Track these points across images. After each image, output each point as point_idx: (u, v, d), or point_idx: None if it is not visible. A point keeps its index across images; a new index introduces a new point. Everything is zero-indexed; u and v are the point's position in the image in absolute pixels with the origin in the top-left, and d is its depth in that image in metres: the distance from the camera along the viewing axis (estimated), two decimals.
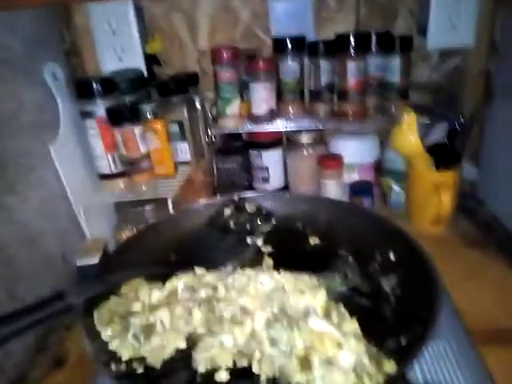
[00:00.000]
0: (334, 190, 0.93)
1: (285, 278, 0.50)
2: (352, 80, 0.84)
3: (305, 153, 0.97)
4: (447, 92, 0.89)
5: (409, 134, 0.79)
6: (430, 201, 0.80)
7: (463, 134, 0.86)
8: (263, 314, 0.45)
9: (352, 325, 0.44)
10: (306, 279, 0.50)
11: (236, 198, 0.65)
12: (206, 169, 0.96)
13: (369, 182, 0.94)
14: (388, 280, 0.52)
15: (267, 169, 0.98)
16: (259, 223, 0.62)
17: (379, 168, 0.97)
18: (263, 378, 0.41)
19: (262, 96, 0.87)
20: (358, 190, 0.92)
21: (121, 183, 0.81)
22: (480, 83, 0.87)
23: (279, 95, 0.90)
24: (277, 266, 0.57)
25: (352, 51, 0.82)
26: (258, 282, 0.49)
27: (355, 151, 0.95)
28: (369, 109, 0.89)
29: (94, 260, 0.72)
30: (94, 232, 0.81)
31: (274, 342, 0.42)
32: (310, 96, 0.90)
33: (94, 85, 0.77)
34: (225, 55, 0.84)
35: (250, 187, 1.01)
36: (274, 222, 0.63)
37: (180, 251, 0.60)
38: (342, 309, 0.47)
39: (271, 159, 0.98)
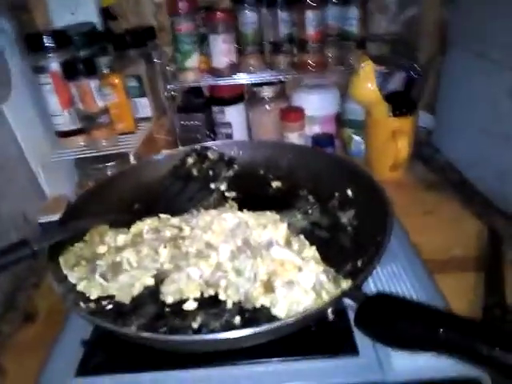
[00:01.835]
0: (295, 141, 0.95)
1: (248, 215, 0.52)
2: (311, 31, 0.84)
3: (267, 107, 0.97)
4: (404, 42, 0.91)
5: (367, 83, 0.81)
6: (388, 147, 0.83)
7: (419, 83, 0.88)
8: (227, 246, 0.46)
9: (311, 251, 0.46)
10: (268, 215, 0.52)
11: (198, 147, 0.65)
12: (168, 126, 0.95)
13: (330, 134, 0.96)
14: (346, 214, 0.54)
15: (230, 124, 0.98)
16: (222, 170, 0.62)
17: (340, 119, 0.98)
18: (229, 304, 0.43)
19: (221, 49, 0.86)
20: (320, 141, 0.94)
21: (80, 140, 0.80)
22: (436, 32, 0.89)
23: (239, 48, 0.89)
24: (241, 210, 0.58)
25: (310, 1, 0.82)
26: (221, 219, 0.50)
27: (316, 104, 0.96)
28: (328, 60, 0.90)
29: (56, 217, 0.71)
30: (56, 191, 0.80)
31: (238, 271, 0.44)
32: (270, 48, 0.89)
33: (46, 38, 0.74)
34: (182, 6, 0.82)
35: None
36: (236, 168, 0.64)
37: (143, 200, 0.61)
38: (303, 239, 0.49)
39: (234, 115, 0.98)
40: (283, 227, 0.49)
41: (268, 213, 0.52)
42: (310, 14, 0.83)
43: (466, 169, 0.86)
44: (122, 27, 0.91)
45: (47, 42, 0.74)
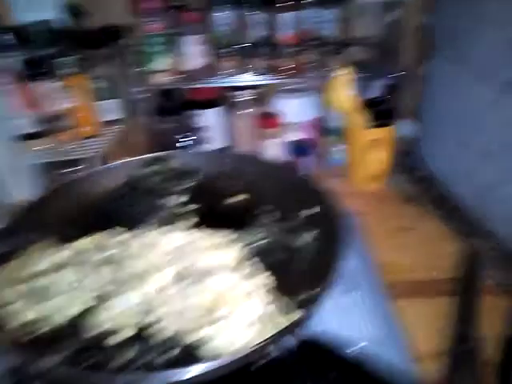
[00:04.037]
0: (274, 149, 0.91)
1: (200, 234, 0.48)
2: (286, 33, 0.80)
3: (246, 111, 0.93)
4: (386, 46, 0.87)
5: (344, 91, 0.77)
6: (367, 157, 0.79)
7: (401, 90, 0.84)
8: (171, 269, 0.42)
9: (264, 277, 0.42)
10: (223, 234, 0.48)
11: (158, 156, 0.61)
12: (142, 129, 0.91)
13: (309, 141, 0.92)
14: (308, 234, 0.50)
15: (207, 129, 0.94)
16: (182, 181, 0.58)
17: (320, 126, 0.94)
18: (167, 335, 0.39)
19: (193, 50, 0.82)
20: (299, 148, 0.91)
21: (42, 143, 0.76)
22: (418, 37, 0.85)
23: (213, 50, 0.85)
24: (200, 224, 0.54)
25: (285, 2, 0.78)
26: (169, 238, 0.46)
27: (296, 109, 0.92)
28: (306, 64, 0.86)
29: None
30: (24, 196, 0.76)
31: (180, 298, 0.40)
32: (245, 51, 0.85)
33: (5, 36, 0.70)
34: (149, 5, 0.78)
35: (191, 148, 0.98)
36: (198, 179, 0.60)
37: (98, 211, 0.57)
38: (257, 262, 0.45)
39: (211, 119, 0.94)
40: (236, 249, 0.45)
41: (223, 232, 0.48)
42: (285, 16, 0.79)
43: (449, 182, 0.82)
44: (91, 25, 0.86)
45: (6, 39, 0.70)
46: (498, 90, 0.65)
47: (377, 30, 0.88)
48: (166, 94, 0.92)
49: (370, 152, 0.78)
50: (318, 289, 0.41)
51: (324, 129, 0.93)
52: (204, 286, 0.40)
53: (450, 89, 0.80)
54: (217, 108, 0.93)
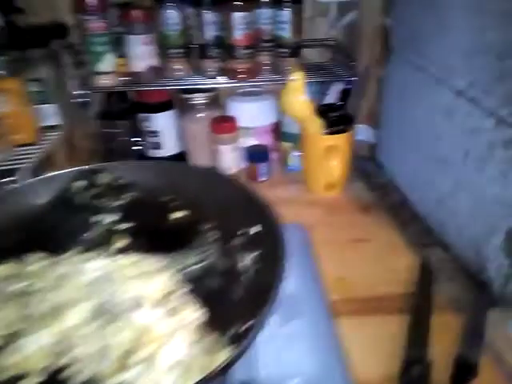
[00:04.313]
0: (229, 155, 0.87)
1: (126, 261, 0.43)
2: (239, 34, 0.76)
3: (199, 115, 0.89)
4: (343, 49, 0.84)
5: (297, 95, 0.73)
6: (322, 165, 0.76)
7: (359, 94, 0.82)
8: (83, 306, 0.38)
9: (192, 311, 0.38)
10: (154, 260, 0.43)
11: (90, 168, 0.56)
12: (87, 135, 0.85)
13: (266, 147, 0.88)
14: (248, 257, 0.46)
15: (159, 133, 0.89)
16: (113, 197, 0.53)
17: (278, 131, 0.91)
18: (81, 379, 0.35)
19: (139, 51, 0.77)
20: (255, 154, 0.87)
21: None
22: (376, 39, 0.82)
23: (162, 50, 0.80)
24: (132, 245, 0.50)
25: (238, 1, 0.73)
26: (91, 266, 0.42)
27: (251, 114, 0.89)
28: (262, 66, 0.82)
29: None
30: None
31: (92, 340, 0.36)
32: (197, 52, 0.81)
33: None
34: (91, 2, 0.72)
35: (143, 154, 0.93)
36: (132, 195, 0.55)
37: (19, 232, 0.51)
38: (186, 293, 0.41)
39: (162, 123, 0.89)
40: (164, 278, 0.40)
41: (151, 259, 0.44)
42: (237, 16, 0.74)
43: (407, 190, 0.80)
44: (28, 23, 0.80)
45: None
46: (453, 97, 0.63)
47: (333, 31, 0.84)
48: (113, 96, 0.87)
49: (326, 159, 0.75)
50: (253, 320, 0.37)
51: (281, 134, 0.90)
52: (125, 324, 0.35)
53: (408, 93, 0.77)
54: (168, 112, 0.88)
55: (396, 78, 0.81)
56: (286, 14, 0.76)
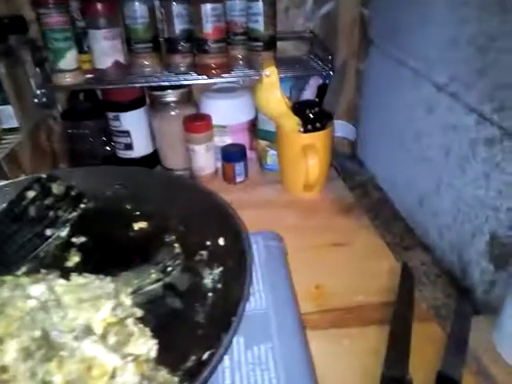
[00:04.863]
0: (203, 155, 0.83)
1: (73, 284, 0.39)
2: (209, 27, 0.71)
3: (172, 113, 0.84)
4: (321, 42, 0.80)
5: (272, 91, 0.69)
6: (300, 164, 0.72)
7: (336, 89, 0.78)
8: (18, 341, 0.33)
9: (140, 344, 0.34)
10: (104, 283, 0.39)
11: (44, 176, 0.51)
12: (54, 136, 0.81)
13: (242, 145, 0.84)
14: (212, 273, 0.42)
15: (129, 133, 0.85)
16: (67, 208, 0.49)
17: (254, 129, 0.87)
18: None
19: (103, 46, 0.72)
20: (231, 154, 0.83)
21: None
22: (354, 31, 0.79)
23: (128, 45, 0.75)
24: (85, 263, 0.45)
25: None
26: (31, 292, 0.37)
27: (226, 111, 0.84)
28: (235, 61, 0.78)
29: None
30: None
31: (27, 379, 0.32)
32: (166, 46, 0.76)
33: None
34: None
35: (113, 155, 0.88)
36: (88, 205, 0.51)
37: None
38: (140, 319, 0.37)
39: (132, 122, 0.84)
40: (113, 304, 0.36)
41: (97, 281, 0.40)
42: (207, 8, 0.70)
43: (389, 188, 0.77)
44: None
45: None
46: (434, 92, 0.59)
47: (310, 23, 0.80)
48: (79, 95, 0.82)
49: (304, 159, 0.71)
50: (211, 350, 0.34)
51: (258, 132, 0.86)
52: (58, 364, 0.31)
53: (388, 88, 0.74)
54: (138, 110, 0.84)
55: (375, 71, 0.78)
56: (259, 5, 0.72)
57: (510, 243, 0.48)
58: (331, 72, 0.75)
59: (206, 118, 0.82)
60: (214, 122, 0.82)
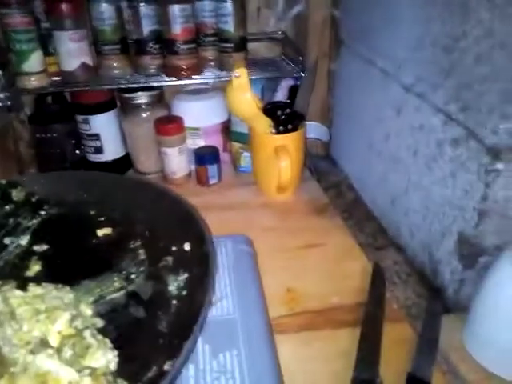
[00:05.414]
0: (176, 158, 0.81)
1: (31, 294, 0.37)
2: (177, 28, 0.70)
3: (143, 116, 0.83)
4: (292, 43, 0.79)
5: (242, 93, 0.69)
6: (272, 166, 0.71)
7: (307, 90, 0.78)
8: None
9: (99, 356, 0.33)
10: (63, 292, 0.38)
11: (3, 182, 0.49)
12: (21, 139, 0.78)
13: (215, 148, 0.83)
14: (176, 280, 0.41)
15: (98, 136, 0.83)
16: (27, 215, 0.48)
17: (228, 130, 0.86)
18: None
19: (69, 48, 0.70)
20: (204, 156, 0.82)
21: None
22: (325, 33, 0.79)
23: (96, 47, 0.74)
24: (46, 272, 0.44)
25: None
26: None
27: (198, 112, 0.83)
28: (205, 62, 0.77)
29: None
30: None
31: None
32: (134, 48, 0.75)
33: None
34: None
35: (83, 160, 0.86)
36: (51, 211, 0.49)
37: None
38: (100, 331, 0.36)
39: (102, 125, 0.83)
40: (71, 316, 0.35)
41: (54, 291, 0.38)
42: (175, 9, 0.69)
43: (362, 189, 0.77)
44: None
45: None
46: (402, 93, 0.60)
47: (281, 24, 0.80)
48: (47, 98, 0.80)
49: (276, 160, 0.71)
50: (173, 360, 0.33)
51: (231, 134, 0.85)
52: (9, 381, 0.30)
53: (359, 88, 0.74)
54: (108, 113, 0.82)
55: (347, 72, 0.78)
56: (228, 6, 0.71)
57: (478, 243, 0.48)
58: (302, 73, 0.75)
59: (177, 120, 0.81)
60: (187, 124, 0.81)
